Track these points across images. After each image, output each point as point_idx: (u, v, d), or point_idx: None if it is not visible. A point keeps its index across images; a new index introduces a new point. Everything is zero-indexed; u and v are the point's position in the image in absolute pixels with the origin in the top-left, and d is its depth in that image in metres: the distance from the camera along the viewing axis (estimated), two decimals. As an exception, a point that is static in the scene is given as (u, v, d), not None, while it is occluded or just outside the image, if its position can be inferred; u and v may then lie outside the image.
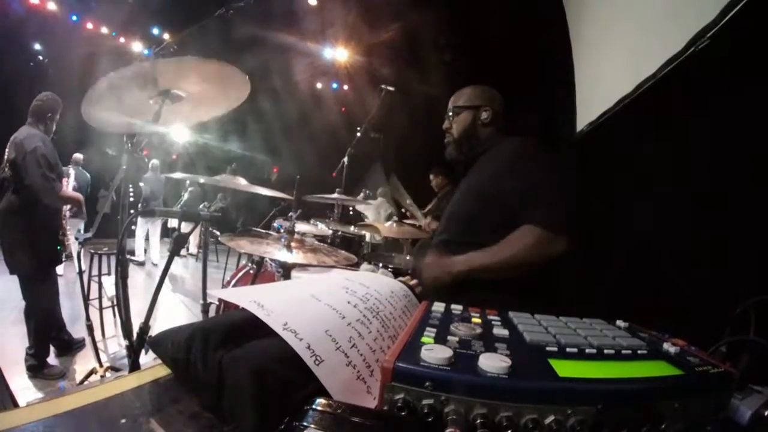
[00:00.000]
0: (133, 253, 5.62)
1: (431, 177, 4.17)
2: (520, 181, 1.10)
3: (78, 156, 5.23)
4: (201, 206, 6.13)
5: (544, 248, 1.03)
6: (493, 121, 1.27)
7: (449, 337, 0.44)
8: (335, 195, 2.32)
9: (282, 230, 1.85)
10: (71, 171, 4.86)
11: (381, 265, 1.89)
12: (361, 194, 5.58)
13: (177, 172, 6.63)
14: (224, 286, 2.82)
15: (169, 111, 1.34)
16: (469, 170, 1.29)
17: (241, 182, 1.70)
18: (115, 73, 1.19)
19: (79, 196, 2.76)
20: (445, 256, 1.13)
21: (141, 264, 5.68)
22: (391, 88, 2.94)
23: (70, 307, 3.39)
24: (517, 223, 1.08)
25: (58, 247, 2.58)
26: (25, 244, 2.35)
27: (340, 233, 2.70)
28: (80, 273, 2.73)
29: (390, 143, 6.74)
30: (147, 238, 5.91)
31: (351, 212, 4.76)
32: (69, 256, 2.86)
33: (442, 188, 4.11)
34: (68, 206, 2.70)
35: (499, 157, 1.18)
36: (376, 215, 5.04)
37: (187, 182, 6.60)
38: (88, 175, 5.40)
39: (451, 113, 1.31)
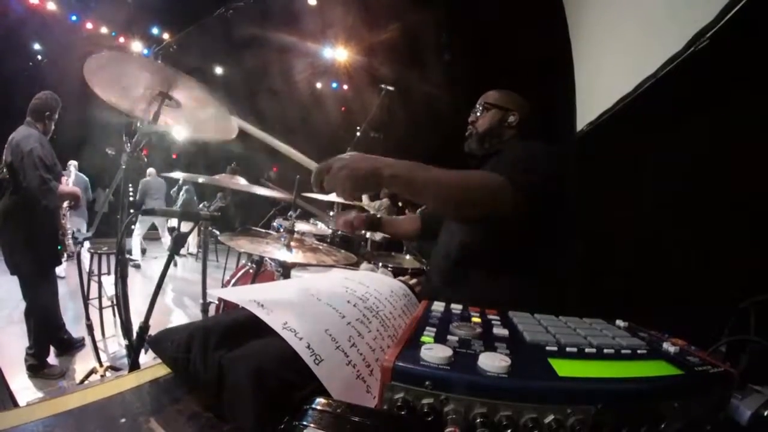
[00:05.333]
0: (130, 252, 5.57)
1: None
2: (516, 155, 1.10)
3: (73, 163, 5.17)
4: (200, 206, 6.13)
5: (496, 194, 0.89)
6: (518, 126, 1.30)
7: (449, 337, 0.44)
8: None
9: (282, 230, 1.85)
10: (71, 170, 4.85)
11: (381, 264, 1.89)
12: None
13: (176, 171, 6.63)
14: (224, 285, 2.82)
15: (167, 114, 1.34)
16: (482, 166, 1.30)
17: (240, 182, 1.70)
18: (120, 53, 1.18)
19: (76, 189, 2.75)
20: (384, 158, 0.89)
21: (137, 267, 5.60)
22: (390, 88, 2.94)
23: (70, 307, 3.39)
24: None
25: (59, 247, 2.58)
26: (25, 245, 2.35)
27: (339, 233, 2.70)
28: (80, 273, 2.73)
29: (390, 143, 6.73)
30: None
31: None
32: (70, 256, 2.86)
33: None
34: (66, 201, 2.69)
35: (513, 151, 1.19)
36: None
37: (180, 181, 6.60)
38: (87, 178, 5.37)
39: (480, 107, 1.33)
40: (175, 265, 5.87)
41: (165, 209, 1.60)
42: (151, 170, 6.29)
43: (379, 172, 0.80)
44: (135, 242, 5.73)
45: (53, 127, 2.55)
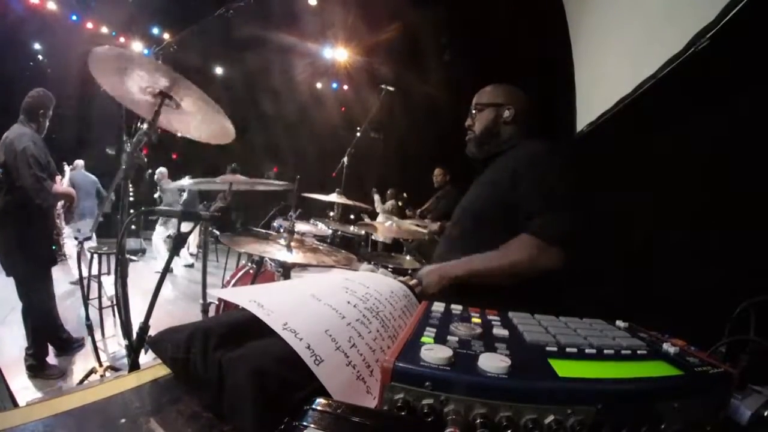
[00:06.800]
0: (141, 252, 5.50)
1: (437, 171, 4.18)
2: (530, 186, 1.09)
3: (79, 162, 5.14)
4: (201, 206, 6.13)
5: (537, 259, 1.03)
6: (516, 119, 1.25)
7: (449, 337, 0.44)
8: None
9: (282, 230, 1.85)
10: (66, 168, 4.81)
11: (381, 265, 1.89)
12: (376, 196, 5.72)
13: (183, 177, 6.68)
14: (224, 285, 2.82)
15: (166, 115, 1.34)
16: (486, 168, 1.29)
17: (240, 179, 1.71)
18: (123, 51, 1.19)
19: (71, 190, 2.74)
20: (444, 264, 1.11)
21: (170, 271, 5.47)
22: (390, 88, 2.94)
23: (70, 307, 3.39)
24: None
25: (53, 247, 2.57)
26: (20, 246, 2.34)
27: (340, 233, 2.70)
28: (80, 273, 2.73)
29: (390, 143, 6.75)
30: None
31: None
32: (63, 256, 2.85)
33: (442, 186, 4.13)
34: (61, 202, 2.67)
35: (518, 158, 1.16)
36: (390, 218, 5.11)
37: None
38: (94, 177, 5.30)
39: (473, 110, 1.29)
40: (187, 265, 5.88)
41: (165, 209, 1.60)
42: (162, 171, 6.25)
43: (446, 280, 1.03)
44: (159, 246, 5.62)
45: (47, 125, 2.54)
